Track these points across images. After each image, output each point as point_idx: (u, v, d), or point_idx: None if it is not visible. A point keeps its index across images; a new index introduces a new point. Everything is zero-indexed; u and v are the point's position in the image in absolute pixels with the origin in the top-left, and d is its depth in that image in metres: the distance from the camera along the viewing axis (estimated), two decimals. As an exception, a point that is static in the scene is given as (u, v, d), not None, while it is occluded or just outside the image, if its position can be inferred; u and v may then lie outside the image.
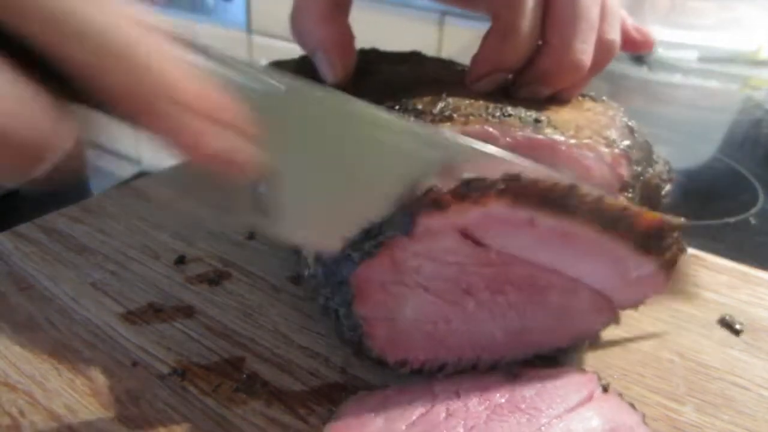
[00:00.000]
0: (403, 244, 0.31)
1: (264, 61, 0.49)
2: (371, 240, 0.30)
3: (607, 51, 0.38)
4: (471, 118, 0.33)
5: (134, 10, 0.22)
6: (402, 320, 0.33)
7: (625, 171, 0.35)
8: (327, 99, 0.28)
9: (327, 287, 0.34)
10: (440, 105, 0.34)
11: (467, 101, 0.35)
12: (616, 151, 0.35)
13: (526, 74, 0.37)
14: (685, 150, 0.83)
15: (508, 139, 0.33)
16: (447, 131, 0.32)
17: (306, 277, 0.38)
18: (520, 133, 0.33)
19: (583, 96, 0.40)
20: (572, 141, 0.34)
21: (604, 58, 0.38)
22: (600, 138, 0.35)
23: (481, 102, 0.35)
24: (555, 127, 0.34)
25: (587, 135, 0.35)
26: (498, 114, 0.34)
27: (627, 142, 0.36)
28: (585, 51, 0.36)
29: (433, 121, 0.33)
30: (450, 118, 0.33)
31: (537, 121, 0.34)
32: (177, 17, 2.16)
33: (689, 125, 0.95)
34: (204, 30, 2.12)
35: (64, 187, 0.68)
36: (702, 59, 1.18)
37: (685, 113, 1.02)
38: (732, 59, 1.17)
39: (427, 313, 0.34)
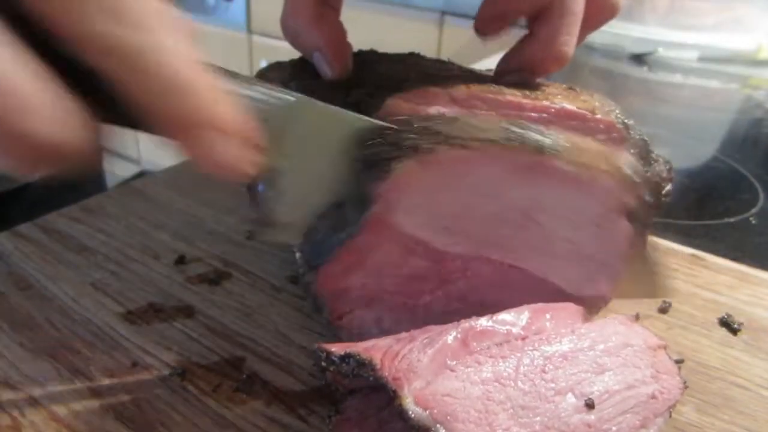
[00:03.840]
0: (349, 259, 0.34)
1: (264, 63, 0.49)
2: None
3: (608, 10, 0.40)
4: (474, 142, 0.33)
5: (182, 38, 0.24)
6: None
7: (630, 199, 0.36)
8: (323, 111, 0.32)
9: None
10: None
11: (474, 123, 0.34)
12: (624, 180, 0.35)
13: (511, 61, 0.39)
14: (685, 150, 0.83)
15: (509, 165, 0.33)
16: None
17: (299, 276, 0.38)
18: (522, 159, 0.33)
19: (579, 90, 0.40)
20: (578, 172, 0.34)
21: (604, 19, 0.40)
22: (607, 165, 0.35)
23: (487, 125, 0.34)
24: (559, 154, 0.34)
25: (594, 164, 0.35)
26: (502, 138, 0.33)
27: (634, 170, 0.36)
28: (568, 43, 0.37)
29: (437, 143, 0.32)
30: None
31: (541, 147, 0.34)
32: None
33: (689, 125, 0.95)
34: (204, 30, 2.12)
35: (80, 180, 0.69)
36: (702, 59, 1.18)
37: (685, 113, 1.02)
38: (732, 59, 1.17)
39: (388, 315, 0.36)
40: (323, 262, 0.34)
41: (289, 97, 0.31)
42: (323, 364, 0.29)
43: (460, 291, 0.36)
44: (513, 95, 0.36)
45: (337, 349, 0.29)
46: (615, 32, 1.21)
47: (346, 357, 0.28)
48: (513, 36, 0.40)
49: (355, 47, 0.41)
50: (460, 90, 0.35)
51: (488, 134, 0.33)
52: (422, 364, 0.27)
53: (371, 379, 0.27)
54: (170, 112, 0.24)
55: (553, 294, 0.37)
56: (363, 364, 0.28)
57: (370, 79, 0.38)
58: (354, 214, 0.33)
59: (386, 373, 0.27)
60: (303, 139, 0.31)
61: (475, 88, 0.36)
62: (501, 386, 0.28)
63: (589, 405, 0.28)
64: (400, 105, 0.35)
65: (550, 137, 0.34)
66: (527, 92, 0.36)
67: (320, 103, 0.32)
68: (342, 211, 0.34)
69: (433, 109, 0.35)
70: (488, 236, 0.35)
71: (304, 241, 0.36)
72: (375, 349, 0.28)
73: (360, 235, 0.33)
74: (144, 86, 0.23)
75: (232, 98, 0.26)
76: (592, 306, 0.38)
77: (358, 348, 0.29)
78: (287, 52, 0.46)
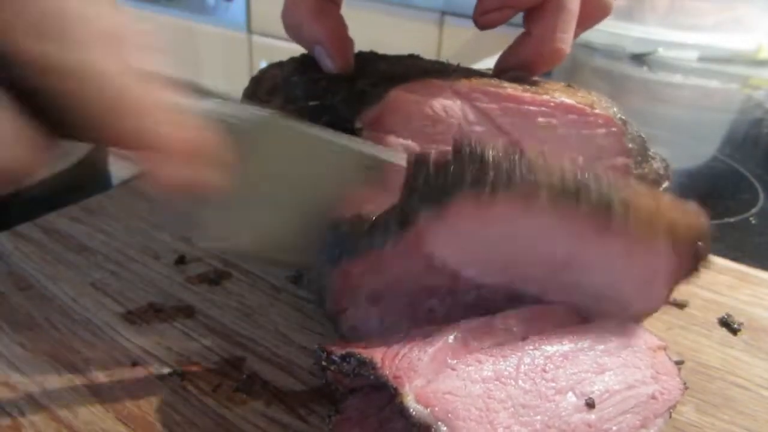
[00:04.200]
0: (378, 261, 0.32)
1: (264, 63, 0.49)
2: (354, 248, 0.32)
3: (602, 9, 0.40)
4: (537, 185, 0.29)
5: (138, 61, 0.24)
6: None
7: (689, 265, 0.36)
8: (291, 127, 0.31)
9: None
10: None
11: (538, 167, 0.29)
12: (686, 248, 0.35)
13: (509, 59, 0.39)
14: (685, 150, 0.83)
15: (564, 215, 0.30)
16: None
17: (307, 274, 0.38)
18: (580, 212, 0.30)
19: (576, 87, 0.40)
20: (638, 233, 0.32)
21: (598, 18, 0.40)
22: (670, 231, 0.34)
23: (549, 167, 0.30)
24: (627, 220, 0.31)
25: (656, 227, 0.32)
26: (571, 189, 0.29)
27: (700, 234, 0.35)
28: (565, 40, 0.37)
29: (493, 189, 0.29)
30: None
31: (609, 207, 0.30)
32: (177, 17, 2.16)
33: (689, 125, 0.95)
34: (204, 30, 2.12)
35: (86, 179, 0.69)
36: (702, 59, 1.18)
37: (685, 113, 1.02)
38: (732, 59, 1.17)
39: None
40: (345, 259, 0.32)
41: (263, 113, 0.30)
42: (324, 363, 0.29)
43: (470, 302, 0.36)
44: (513, 89, 0.36)
45: (337, 348, 0.29)
46: (615, 32, 1.21)
47: (346, 356, 0.28)
48: (513, 36, 0.40)
49: (355, 47, 0.42)
50: (462, 83, 0.36)
51: (552, 181, 0.29)
52: (423, 363, 0.27)
53: (372, 377, 0.27)
54: (114, 131, 0.23)
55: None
56: (363, 363, 0.28)
57: (373, 73, 0.38)
58: (392, 230, 0.31)
59: (387, 372, 0.27)
60: (275, 156, 0.30)
61: (477, 82, 0.36)
62: (502, 385, 0.28)
63: (590, 404, 0.28)
64: (403, 96, 0.35)
65: (615, 190, 0.30)
66: (527, 87, 0.37)
67: (290, 121, 0.31)
68: (380, 222, 0.32)
69: (437, 102, 0.35)
70: (521, 276, 0.33)
71: (330, 232, 0.34)
72: (375, 348, 0.28)
73: (390, 248, 0.31)
74: (86, 105, 0.22)
75: (187, 116, 0.25)
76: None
77: (359, 347, 0.29)
78: (287, 52, 0.46)
